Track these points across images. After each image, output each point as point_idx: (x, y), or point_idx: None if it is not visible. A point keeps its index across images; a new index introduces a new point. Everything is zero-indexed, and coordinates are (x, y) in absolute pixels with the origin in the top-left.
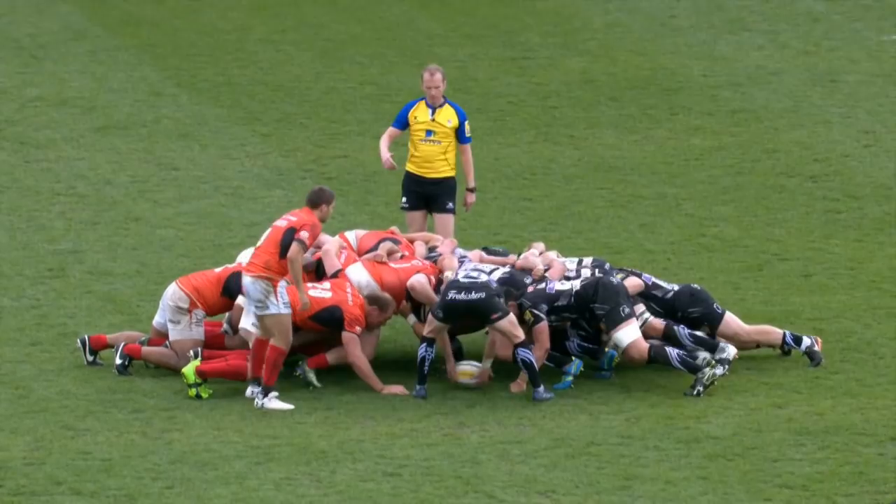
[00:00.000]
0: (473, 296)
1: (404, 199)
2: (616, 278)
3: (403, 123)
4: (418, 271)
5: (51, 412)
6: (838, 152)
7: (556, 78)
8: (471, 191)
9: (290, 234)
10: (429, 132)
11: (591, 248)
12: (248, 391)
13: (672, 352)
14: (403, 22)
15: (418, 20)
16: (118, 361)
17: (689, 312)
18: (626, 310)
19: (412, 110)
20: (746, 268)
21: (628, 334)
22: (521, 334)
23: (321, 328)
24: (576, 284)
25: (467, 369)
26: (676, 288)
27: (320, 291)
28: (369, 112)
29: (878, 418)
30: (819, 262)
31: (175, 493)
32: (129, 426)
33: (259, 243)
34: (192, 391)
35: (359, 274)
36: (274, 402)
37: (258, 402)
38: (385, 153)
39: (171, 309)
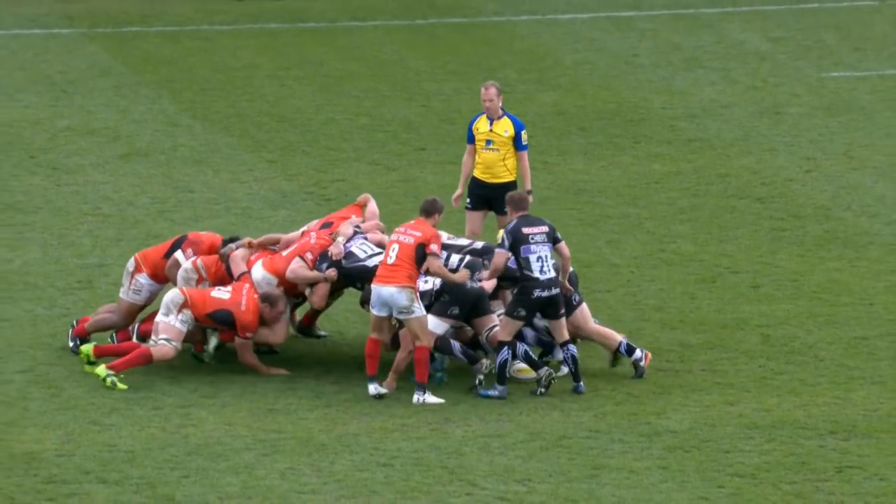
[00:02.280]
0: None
1: (469, 201)
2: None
3: (471, 137)
4: (299, 253)
5: (80, 409)
6: (783, 177)
7: (531, 110)
8: (528, 193)
9: (421, 250)
10: (488, 141)
11: None
12: (372, 389)
13: (455, 344)
14: (395, 60)
15: (408, 58)
16: (70, 344)
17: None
18: (455, 311)
19: (475, 123)
20: (701, 279)
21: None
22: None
23: (217, 325)
24: (437, 283)
25: (524, 367)
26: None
27: (221, 293)
28: (364, 140)
29: (819, 414)
30: (766, 274)
31: (191, 482)
32: (150, 421)
33: (389, 260)
34: (108, 381)
35: (257, 272)
36: (430, 398)
37: (419, 398)
38: (459, 189)
39: (124, 274)
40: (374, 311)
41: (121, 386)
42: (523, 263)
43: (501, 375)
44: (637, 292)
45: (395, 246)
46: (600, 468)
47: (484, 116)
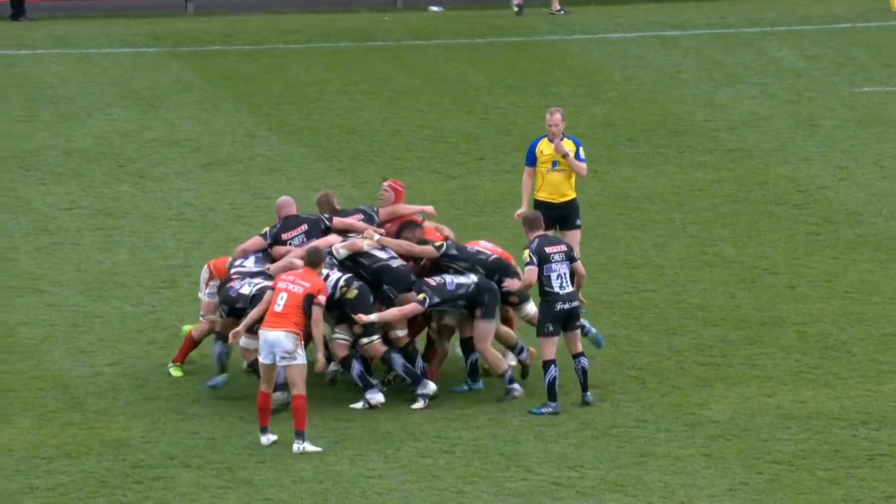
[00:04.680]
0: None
1: None
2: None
3: (533, 159)
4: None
5: (164, 399)
6: (817, 185)
7: (582, 122)
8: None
9: (309, 300)
10: (555, 163)
11: (612, 264)
12: (265, 440)
13: (398, 360)
14: (456, 76)
15: (468, 74)
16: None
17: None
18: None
19: (538, 146)
20: (741, 280)
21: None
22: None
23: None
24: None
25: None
26: (476, 281)
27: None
28: (427, 151)
29: (852, 405)
30: (802, 275)
31: (267, 467)
32: (229, 411)
33: (277, 307)
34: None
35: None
36: (310, 446)
37: (298, 447)
38: (524, 207)
39: (201, 280)
40: (262, 359)
41: (175, 373)
42: (545, 281)
43: (552, 393)
44: (681, 292)
45: (284, 294)
46: (647, 455)
47: (546, 139)
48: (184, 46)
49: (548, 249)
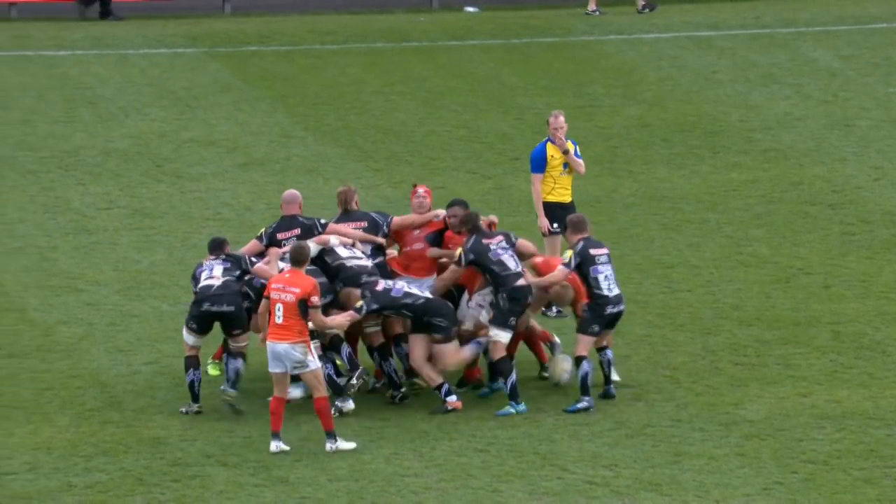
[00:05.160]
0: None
1: (556, 225)
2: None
3: (542, 165)
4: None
5: (202, 398)
6: (852, 185)
7: (617, 122)
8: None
9: (303, 304)
10: (565, 165)
11: (647, 264)
12: (274, 447)
13: (346, 348)
14: (491, 76)
15: (503, 75)
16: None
17: (434, 321)
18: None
19: (549, 151)
20: (776, 280)
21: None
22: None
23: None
24: None
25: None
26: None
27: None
28: (463, 151)
29: (887, 405)
30: (837, 275)
31: (303, 465)
32: (265, 409)
33: (277, 319)
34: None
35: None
36: (343, 444)
37: (331, 446)
38: (542, 218)
39: None
40: (271, 369)
41: (213, 371)
42: (593, 283)
43: (585, 387)
44: (716, 291)
45: (280, 306)
46: (682, 455)
47: (550, 143)
48: (221, 47)
49: (592, 251)
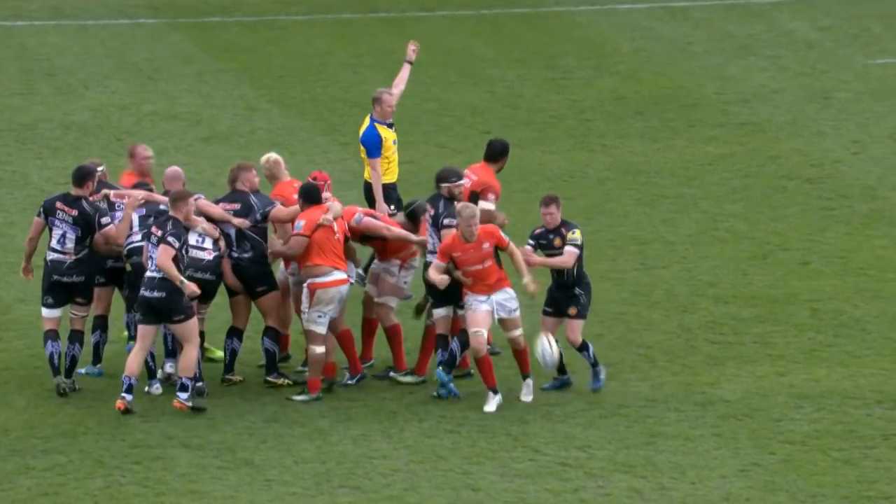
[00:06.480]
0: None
1: (393, 207)
2: None
3: (380, 148)
4: None
5: (163, 378)
6: (831, 158)
7: (590, 95)
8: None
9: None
10: (394, 142)
11: (621, 240)
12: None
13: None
14: (461, 48)
15: (474, 46)
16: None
17: None
18: None
19: (384, 133)
20: (753, 257)
21: None
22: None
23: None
24: None
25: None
26: None
27: None
28: (432, 125)
29: (866, 384)
30: (815, 251)
31: (268, 447)
32: (229, 391)
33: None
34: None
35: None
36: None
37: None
38: (383, 204)
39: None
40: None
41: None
42: (584, 264)
43: (594, 361)
44: (692, 268)
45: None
46: (657, 436)
47: (378, 124)
48: (183, 17)
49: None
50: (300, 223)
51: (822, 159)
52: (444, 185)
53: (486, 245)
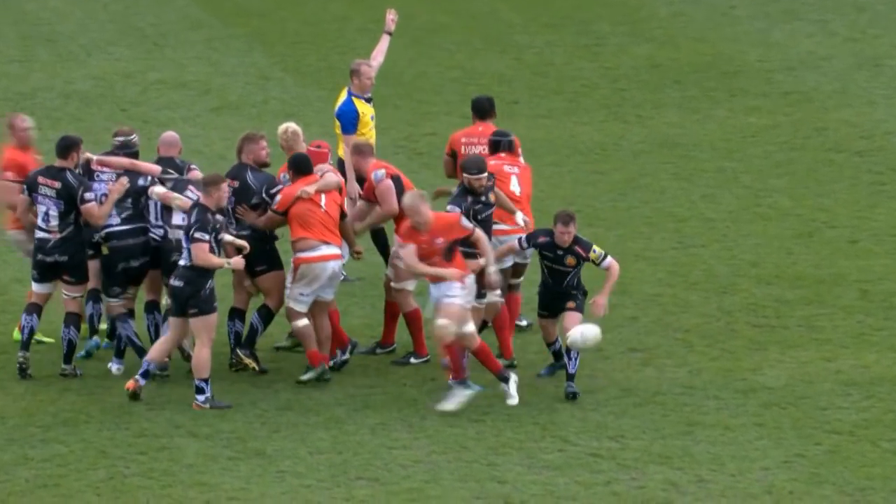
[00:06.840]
0: None
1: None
2: None
3: (356, 124)
4: None
5: (171, 365)
6: (882, 130)
7: (625, 63)
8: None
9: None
10: (372, 117)
11: (657, 217)
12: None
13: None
14: (487, 12)
15: (500, 10)
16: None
17: None
18: None
19: (361, 108)
20: (798, 234)
21: None
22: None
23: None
24: None
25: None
26: None
27: None
28: (456, 94)
29: None
30: (864, 229)
31: (281, 437)
32: (240, 377)
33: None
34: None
35: None
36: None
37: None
38: (354, 183)
39: None
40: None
41: None
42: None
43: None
44: (733, 247)
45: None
46: (695, 425)
47: (355, 98)
48: None
49: None
50: (277, 198)
51: (873, 131)
52: (464, 175)
53: (440, 240)
